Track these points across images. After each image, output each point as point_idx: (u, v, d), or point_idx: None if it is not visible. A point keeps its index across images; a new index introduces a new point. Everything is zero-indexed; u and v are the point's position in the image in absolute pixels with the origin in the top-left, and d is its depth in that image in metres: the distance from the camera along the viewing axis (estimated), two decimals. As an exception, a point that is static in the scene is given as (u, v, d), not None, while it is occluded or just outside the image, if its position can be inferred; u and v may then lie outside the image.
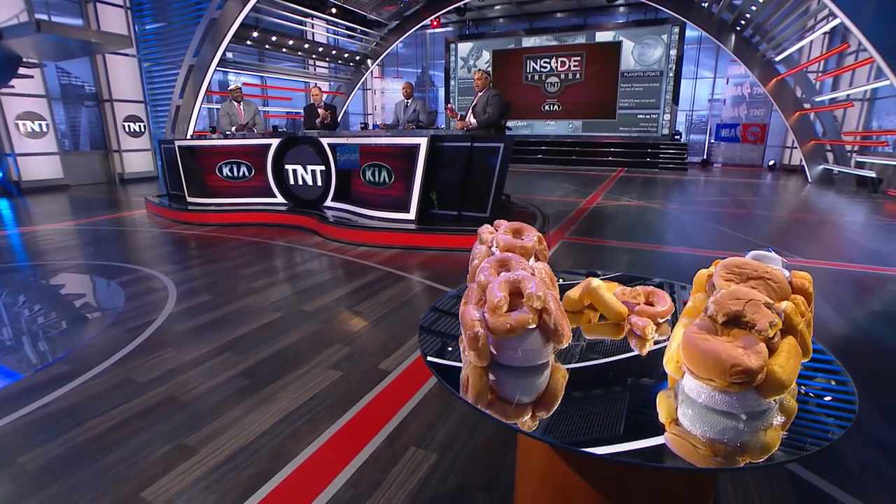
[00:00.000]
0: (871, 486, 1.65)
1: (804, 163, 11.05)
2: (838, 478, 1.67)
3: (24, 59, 8.65)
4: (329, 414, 2.02)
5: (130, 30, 10.75)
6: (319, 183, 6.00)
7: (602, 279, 1.11)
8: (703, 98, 14.90)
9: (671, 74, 14.09)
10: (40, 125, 9.61)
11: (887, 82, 7.59)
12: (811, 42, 11.19)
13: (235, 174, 6.39)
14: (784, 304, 0.76)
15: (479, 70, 5.67)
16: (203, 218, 6.23)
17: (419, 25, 15.02)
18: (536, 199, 7.78)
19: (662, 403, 0.77)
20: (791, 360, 0.71)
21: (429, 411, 2.03)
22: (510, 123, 5.88)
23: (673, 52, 13.96)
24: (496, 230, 1.02)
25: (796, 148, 11.52)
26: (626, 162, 13.98)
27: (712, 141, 14.68)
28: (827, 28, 9.68)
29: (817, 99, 11.01)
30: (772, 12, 9.79)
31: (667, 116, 14.37)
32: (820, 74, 11.63)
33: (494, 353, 0.81)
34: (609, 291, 0.99)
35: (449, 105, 5.82)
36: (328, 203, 5.95)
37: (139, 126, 11.33)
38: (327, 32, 15.06)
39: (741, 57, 11.51)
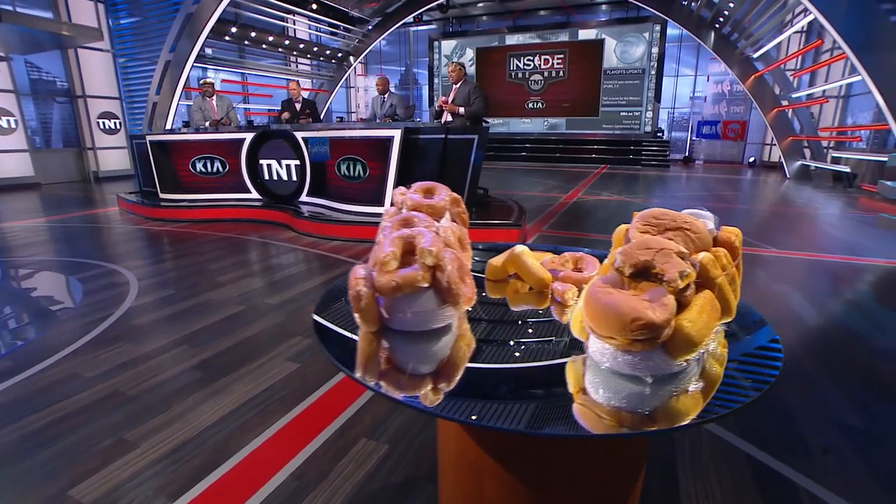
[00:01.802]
0: (833, 469, 1.61)
1: (783, 159, 11.19)
2: (799, 461, 1.64)
3: (-9, 53, 8.38)
4: (281, 406, 1.94)
5: (104, 24, 10.48)
6: (294, 178, 5.88)
7: (537, 249, 1.05)
8: (685, 96, 15.04)
9: (653, 72, 14.18)
10: (8, 121, 9.33)
11: (859, 78, 7.70)
12: (788, 39, 11.35)
13: (209, 169, 6.24)
14: (701, 255, 0.69)
15: (454, 63, 5.61)
16: (175, 214, 6.08)
17: (401, 22, 14.93)
18: (517, 195, 7.74)
19: (570, 371, 0.70)
20: (704, 316, 0.63)
21: (385, 402, 1.96)
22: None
23: (655, 50, 14.06)
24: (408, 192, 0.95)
25: (776, 145, 11.67)
26: (609, 159, 14.04)
27: (694, 138, 14.82)
28: (802, 24, 9.82)
29: (794, 95, 11.16)
30: (748, 9, 9.89)
31: (649, 114, 14.46)
32: (795, 72, 11.78)
33: (386, 316, 0.74)
34: (535, 259, 0.93)
35: (443, 98, 5.73)
36: (303, 198, 5.84)
37: (114, 123, 11.06)
38: (309, 29, 14.89)
39: (721, 54, 11.63)
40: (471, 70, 16.59)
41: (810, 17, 8.09)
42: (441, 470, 0.90)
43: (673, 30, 13.47)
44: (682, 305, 0.64)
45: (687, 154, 14.84)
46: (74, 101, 10.52)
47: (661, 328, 0.60)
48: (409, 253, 0.72)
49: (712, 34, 11.62)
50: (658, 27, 13.82)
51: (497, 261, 0.96)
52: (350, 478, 1.54)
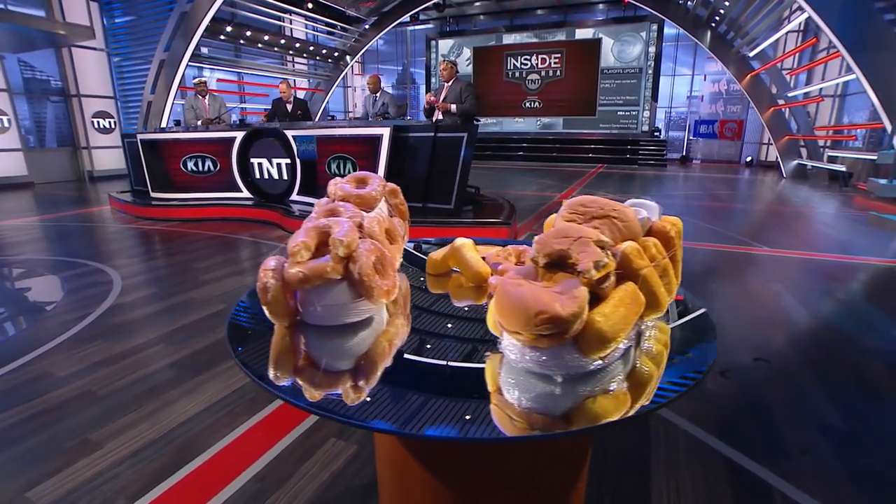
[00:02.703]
0: (811, 471, 1.58)
1: (779, 158, 11.15)
2: (776, 462, 1.60)
3: (-17, 52, 8.35)
4: (252, 406, 1.91)
5: (99, 23, 10.45)
6: (285, 176, 5.85)
7: (490, 244, 1.01)
8: (682, 95, 15.01)
9: (650, 71, 14.15)
10: (1, 120, 9.29)
11: (854, 76, 7.66)
12: (785, 37, 11.32)
13: (200, 168, 6.20)
14: (625, 245, 0.64)
15: (446, 61, 5.57)
16: (166, 213, 6.05)
17: (398, 22, 14.90)
18: (510, 194, 7.70)
19: (488, 370, 0.66)
20: (620, 310, 0.59)
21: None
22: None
23: (652, 50, 14.02)
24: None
25: (772, 144, 11.64)
26: (605, 158, 14.01)
27: (691, 137, 14.79)
28: (796, 23, 9.78)
29: (790, 94, 11.13)
30: (744, 7, 9.85)
31: (646, 113, 14.43)
32: (790, 70, 11.75)
33: (301, 310, 0.70)
34: (476, 252, 0.89)
35: (433, 96, 5.66)
36: (294, 197, 5.80)
37: (109, 122, 11.03)
38: (306, 28, 14.85)
39: (717, 53, 11.59)
40: (468, 69, 16.57)
41: (805, 16, 8.05)
42: (378, 476, 0.87)
43: (670, 29, 13.45)
44: (600, 299, 0.60)
45: (684, 153, 14.81)
46: (69, 100, 10.49)
47: (567, 322, 0.55)
48: (325, 244, 0.69)
49: (708, 33, 11.59)
50: (655, 26, 13.79)
51: (438, 255, 0.92)
52: (315, 479, 1.51)
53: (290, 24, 14.27)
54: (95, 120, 10.76)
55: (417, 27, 17.70)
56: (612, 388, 0.60)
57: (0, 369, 2.23)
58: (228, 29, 11.65)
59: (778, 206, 7.21)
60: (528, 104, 16.20)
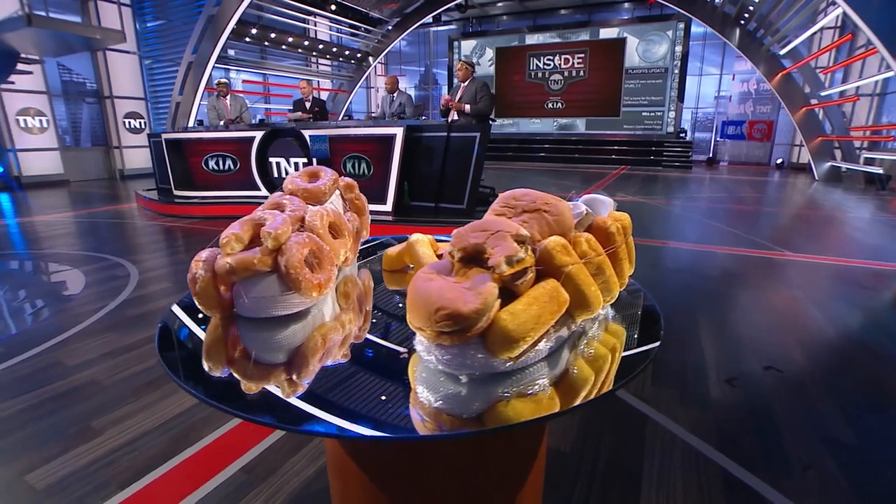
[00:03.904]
0: (813, 488, 1.50)
1: (811, 160, 10.73)
2: (776, 477, 1.53)
3: (23, 55, 8.76)
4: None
5: (131, 27, 10.85)
6: (302, 175, 5.93)
7: (444, 240, 0.99)
8: (709, 95, 14.60)
9: (676, 71, 13.81)
10: (41, 121, 9.74)
11: (893, 73, 7.30)
12: (821, 33, 10.88)
13: (221, 167, 6.36)
14: (549, 240, 0.61)
15: (462, 61, 5.57)
16: (188, 210, 6.22)
17: (420, 23, 14.97)
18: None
19: (411, 367, 0.64)
20: (532, 308, 0.55)
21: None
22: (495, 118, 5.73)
23: (678, 49, 13.69)
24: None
25: (804, 146, 11.21)
26: (629, 160, 13.75)
27: (718, 139, 14.37)
28: (831, 18, 9.38)
29: (824, 94, 10.69)
30: (775, 4, 9.52)
31: (671, 114, 14.09)
32: (824, 69, 11.27)
33: (234, 302, 0.70)
34: (432, 248, 0.87)
35: (447, 96, 5.66)
36: (311, 196, 5.89)
37: (139, 122, 11.43)
38: (330, 30, 15.07)
39: (746, 52, 11.23)
40: (490, 70, 16.52)
41: (838, 11, 7.72)
42: (329, 475, 0.87)
43: (697, 28, 13.10)
44: (516, 296, 0.57)
45: (711, 155, 14.40)
46: (102, 102, 10.91)
47: (467, 319, 0.52)
48: (259, 236, 0.69)
49: (737, 31, 11.24)
50: (682, 25, 13.46)
51: (393, 251, 0.91)
52: (300, 473, 1.52)
53: (315, 25, 14.51)
54: (127, 120, 11.17)
55: (440, 28, 17.74)
56: (531, 391, 0.56)
57: (17, 357, 2.33)
58: (254, 31, 11.92)
59: (807, 210, 6.93)
60: (550, 105, 16.03)
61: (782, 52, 10.81)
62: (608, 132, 15.02)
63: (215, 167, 6.38)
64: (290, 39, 13.20)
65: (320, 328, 0.72)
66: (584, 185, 9.28)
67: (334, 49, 14.76)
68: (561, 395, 0.56)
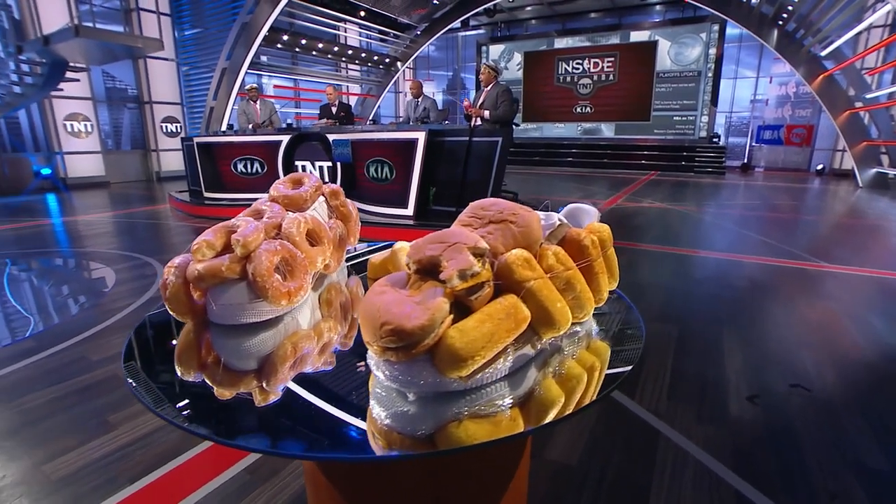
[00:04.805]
0: (837, 513, 1.41)
1: (855, 166, 10.21)
2: None
3: (71, 64, 9.24)
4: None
5: (169, 35, 11.30)
6: (327, 179, 6.03)
7: None
8: (745, 99, 14.09)
9: (710, 74, 13.41)
10: (86, 126, 10.24)
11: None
12: (867, 32, 10.35)
13: (249, 170, 6.53)
14: (510, 253, 0.58)
15: (485, 65, 5.56)
16: (217, 212, 6.40)
17: (448, 27, 15.04)
18: (553, 200, 7.55)
19: (371, 381, 0.62)
20: (485, 325, 0.52)
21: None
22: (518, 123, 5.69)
23: (712, 51, 13.29)
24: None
25: (847, 151, 10.67)
26: (659, 165, 13.41)
27: (753, 144, 13.85)
28: (879, 15, 8.91)
29: (870, 96, 10.15)
30: (816, 2, 9.11)
31: (704, 118, 13.68)
32: (870, 70, 10.70)
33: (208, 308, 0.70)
34: None
35: (468, 101, 5.68)
36: (334, 199, 5.98)
37: (175, 126, 11.88)
38: (359, 36, 15.32)
39: (784, 53, 10.80)
40: (518, 74, 16.43)
41: (888, 7, 7.32)
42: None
43: (733, 29, 12.69)
44: (471, 311, 0.54)
45: (745, 161, 13.88)
46: (142, 107, 11.40)
47: (411, 336, 0.50)
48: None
49: (775, 32, 10.82)
50: (716, 27, 13.07)
51: (377, 258, 0.90)
52: (301, 476, 1.53)
53: (345, 32, 14.78)
54: (164, 125, 11.63)
55: (468, 32, 17.78)
56: (487, 412, 0.53)
57: (46, 351, 2.44)
58: (285, 37, 12.23)
59: (848, 219, 6.59)
60: (578, 109, 15.82)
61: (824, 52, 10.34)
62: (638, 137, 14.70)
63: (244, 170, 6.56)
64: (321, 45, 13.48)
65: (292, 336, 0.71)
66: (611, 190, 9.10)
67: (363, 54, 14.99)
68: (524, 417, 0.53)
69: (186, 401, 0.60)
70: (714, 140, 13.45)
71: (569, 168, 14.25)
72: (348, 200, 0.98)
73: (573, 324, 0.67)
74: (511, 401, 0.56)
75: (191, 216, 6.48)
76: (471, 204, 0.70)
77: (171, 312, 0.69)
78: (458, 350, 0.51)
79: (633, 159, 13.89)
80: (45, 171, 9.70)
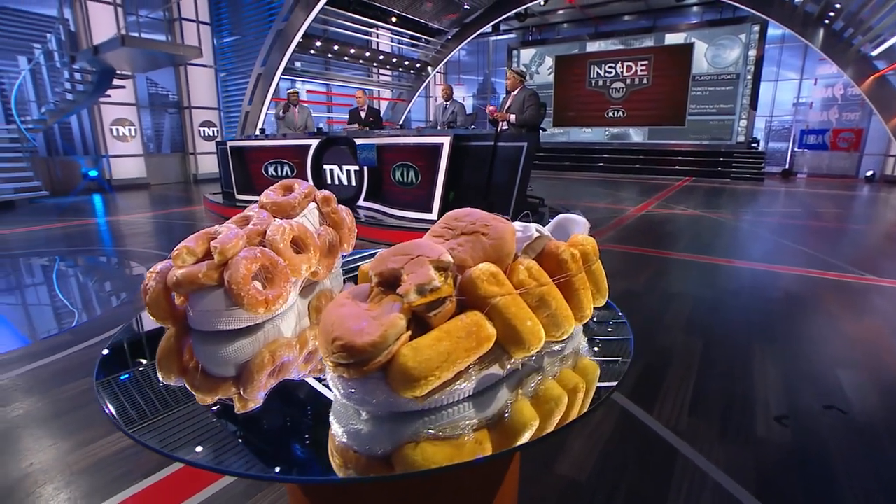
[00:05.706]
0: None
1: (908, 173, 9.62)
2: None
3: (118, 71, 9.73)
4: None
5: (208, 43, 11.74)
6: (353, 182, 6.12)
7: None
8: (786, 102, 13.49)
9: (749, 77, 12.91)
10: (130, 130, 10.76)
11: None
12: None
13: (279, 173, 6.70)
14: (476, 268, 0.55)
15: (511, 70, 5.53)
16: (248, 214, 6.60)
17: (479, 32, 15.05)
18: (580, 205, 7.43)
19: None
20: (441, 344, 0.50)
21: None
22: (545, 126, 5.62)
23: (752, 53, 12.80)
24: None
25: (900, 156, 10.08)
26: (694, 171, 13.00)
27: (796, 149, 13.24)
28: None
29: (926, 100, 9.56)
30: None
31: (743, 122, 13.17)
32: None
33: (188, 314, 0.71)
34: None
35: (492, 107, 5.67)
36: (360, 202, 6.05)
37: (212, 131, 12.32)
38: (391, 41, 15.53)
39: (831, 54, 10.30)
40: (549, 78, 16.28)
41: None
42: None
43: (774, 30, 12.19)
44: (430, 328, 0.52)
45: (787, 167, 13.28)
46: (182, 112, 11.88)
47: (362, 353, 0.48)
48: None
49: (821, 32, 10.34)
50: (757, 28, 12.58)
51: (367, 266, 0.90)
52: (308, 478, 1.54)
53: (377, 37, 15.01)
54: (202, 129, 12.08)
55: (499, 37, 17.75)
56: (452, 434, 0.51)
57: (82, 343, 2.56)
58: (318, 43, 12.51)
59: (898, 229, 6.20)
60: (611, 114, 15.53)
61: (875, 52, 9.81)
62: (672, 142, 14.30)
63: (274, 173, 6.73)
64: (353, 51, 13.71)
65: (271, 344, 0.71)
66: (641, 196, 8.87)
67: (394, 59, 15.18)
68: (493, 440, 0.51)
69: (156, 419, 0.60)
70: (753, 145, 12.94)
71: (599, 173, 13.99)
72: (341, 207, 0.98)
73: (553, 342, 0.65)
74: (476, 422, 0.53)
75: (223, 217, 6.65)
76: (446, 214, 0.68)
77: (150, 316, 0.71)
78: (411, 369, 0.49)
79: (666, 164, 13.52)
80: (93, 173, 10.24)
